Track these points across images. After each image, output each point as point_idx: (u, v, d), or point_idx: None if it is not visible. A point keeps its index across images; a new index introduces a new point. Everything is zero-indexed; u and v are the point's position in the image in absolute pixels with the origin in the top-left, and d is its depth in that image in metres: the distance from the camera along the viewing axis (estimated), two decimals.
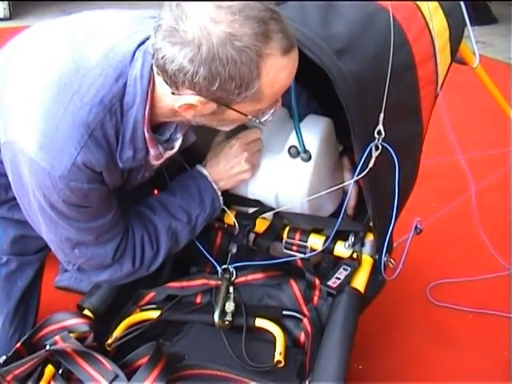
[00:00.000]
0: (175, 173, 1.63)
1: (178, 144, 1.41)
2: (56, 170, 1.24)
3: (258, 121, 1.31)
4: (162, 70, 1.17)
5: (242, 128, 1.57)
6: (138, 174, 1.44)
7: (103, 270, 1.48)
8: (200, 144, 1.68)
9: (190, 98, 1.20)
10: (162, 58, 1.14)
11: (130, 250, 1.47)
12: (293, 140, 1.55)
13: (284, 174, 1.58)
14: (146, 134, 1.30)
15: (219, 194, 1.57)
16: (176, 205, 1.53)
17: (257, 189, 1.62)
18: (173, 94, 1.22)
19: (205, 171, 1.58)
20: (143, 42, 1.27)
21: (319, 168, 1.57)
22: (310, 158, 1.54)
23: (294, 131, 1.55)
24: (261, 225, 1.65)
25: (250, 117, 1.28)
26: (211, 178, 1.57)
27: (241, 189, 1.64)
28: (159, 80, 1.24)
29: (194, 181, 1.57)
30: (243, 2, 1.11)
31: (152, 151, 1.35)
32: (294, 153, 1.55)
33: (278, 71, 1.18)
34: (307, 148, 1.53)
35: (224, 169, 1.57)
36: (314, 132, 1.56)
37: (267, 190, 1.61)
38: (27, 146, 1.25)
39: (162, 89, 1.25)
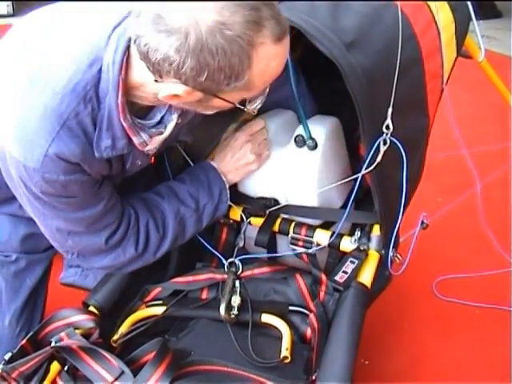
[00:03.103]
0: (178, 169, 1.63)
1: (170, 127, 1.34)
2: (29, 162, 1.22)
3: (245, 109, 1.26)
4: (144, 57, 1.10)
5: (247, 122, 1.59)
6: (127, 163, 1.38)
7: (105, 255, 1.46)
8: (202, 143, 1.69)
9: (174, 87, 1.13)
10: (145, 45, 1.07)
11: (133, 235, 1.46)
12: (299, 130, 1.57)
13: (292, 165, 1.58)
14: (123, 123, 1.24)
15: (227, 186, 1.57)
16: (185, 191, 1.53)
17: (265, 182, 1.63)
18: (156, 81, 1.15)
19: (214, 163, 1.58)
20: (119, 24, 1.20)
21: (327, 160, 1.58)
22: (316, 145, 1.54)
23: (300, 125, 1.56)
24: (257, 220, 1.65)
25: (237, 105, 1.23)
26: (220, 171, 1.57)
27: (249, 183, 1.65)
28: (141, 66, 1.15)
29: (203, 171, 1.57)
30: None
31: (134, 139, 1.29)
32: (300, 141, 1.55)
33: (270, 60, 1.12)
34: (314, 136, 1.54)
35: (231, 161, 1.58)
36: (320, 123, 1.58)
37: (276, 182, 1.62)
38: (6, 139, 1.23)
39: (144, 75, 1.17)
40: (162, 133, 1.33)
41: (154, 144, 1.34)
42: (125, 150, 1.30)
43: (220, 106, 1.24)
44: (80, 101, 1.19)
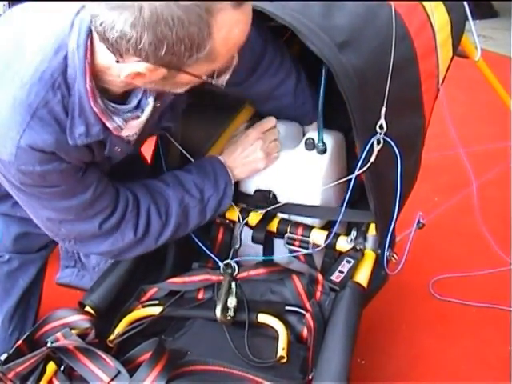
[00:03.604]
0: (175, 164, 1.64)
1: (147, 111, 1.30)
2: (4, 155, 1.21)
3: (213, 82, 1.21)
4: (102, 37, 1.07)
5: (258, 119, 1.63)
6: (106, 149, 1.34)
7: (102, 240, 1.45)
8: (198, 142, 1.69)
9: (136, 65, 1.09)
10: (101, 24, 1.03)
11: (132, 219, 1.45)
12: (309, 133, 1.60)
13: (299, 166, 1.60)
14: (94, 108, 1.21)
15: (232, 181, 1.58)
16: (190, 180, 1.53)
17: (268, 180, 1.64)
18: (117, 62, 1.12)
19: (221, 158, 1.59)
20: (82, 9, 1.18)
21: (333, 163, 1.60)
22: (325, 150, 1.57)
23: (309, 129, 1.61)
24: (254, 218, 1.65)
25: (204, 78, 1.18)
26: (227, 165, 1.58)
27: (252, 180, 1.66)
28: (103, 48, 1.13)
29: (210, 163, 1.57)
30: None
31: (108, 124, 1.26)
32: (310, 144, 1.58)
33: (232, 27, 1.08)
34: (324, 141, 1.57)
35: (239, 156, 1.59)
36: (328, 132, 1.60)
37: (279, 181, 1.63)
38: None
39: (107, 58, 1.14)
40: (138, 117, 1.31)
41: (131, 129, 1.32)
42: (100, 136, 1.27)
43: (188, 82, 1.20)
44: (48, 89, 1.18)
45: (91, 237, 1.44)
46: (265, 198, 1.64)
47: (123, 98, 1.30)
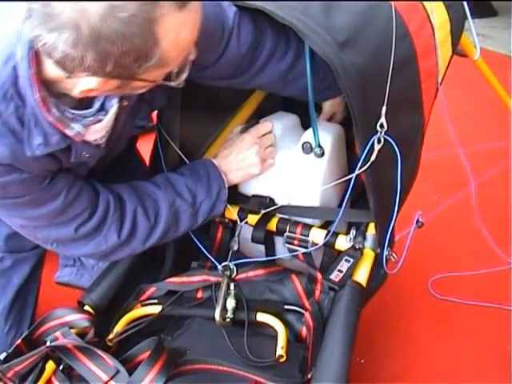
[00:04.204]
0: (174, 166, 1.63)
1: (111, 112, 1.26)
2: None
3: (172, 84, 1.18)
4: (48, 56, 1.03)
5: (256, 121, 1.62)
6: (72, 156, 1.30)
7: (84, 243, 1.43)
8: (196, 142, 1.69)
9: (87, 80, 1.06)
10: (43, 45, 1.00)
11: (116, 222, 1.43)
12: (306, 137, 1.57)
13: (297, 170, 1.59)
14: (48, 118, 1.17)
15: (226, 186, 1.56)
16: (183, 183, 1.51)
17: (267, 183, 1.63)
18: (68, 78, 1.08)
19: (215, 161, 1.57)
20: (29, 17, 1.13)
21: (331, 165, 1.59)
22: (323, 154, 1.55)
23: (306, 131, 1.58)
24: (253, 218, 1.64)
25: (161, 82, 1.15)
26: (221, 169, 1.56)
27: (251, 183, 1.65)
28: (51, 64, 1.08)
29: (203, 167, 1.55)
30: None
31: (67, 132, 1.21)
32: (308, 148, 1.56)
33: (179, 29, 1.04)
34: (321, 144, 1.54)
35: (234, 160, 1.57)
36: (327, 131, 1.59)
37: (278, 184, 1.62)
38: None
39: (57, 71, 1.09)
40: (100, 120, 1.26)
41: (95, 134, 1.28)
42: (61, 145, 1.23)
43: (145, 86, 1.17)
44: (0, 101, 1.14)
45: (70, 240, 1.42)
46: (261, 203, 1.63)
47: (85, 101, 1.25)
